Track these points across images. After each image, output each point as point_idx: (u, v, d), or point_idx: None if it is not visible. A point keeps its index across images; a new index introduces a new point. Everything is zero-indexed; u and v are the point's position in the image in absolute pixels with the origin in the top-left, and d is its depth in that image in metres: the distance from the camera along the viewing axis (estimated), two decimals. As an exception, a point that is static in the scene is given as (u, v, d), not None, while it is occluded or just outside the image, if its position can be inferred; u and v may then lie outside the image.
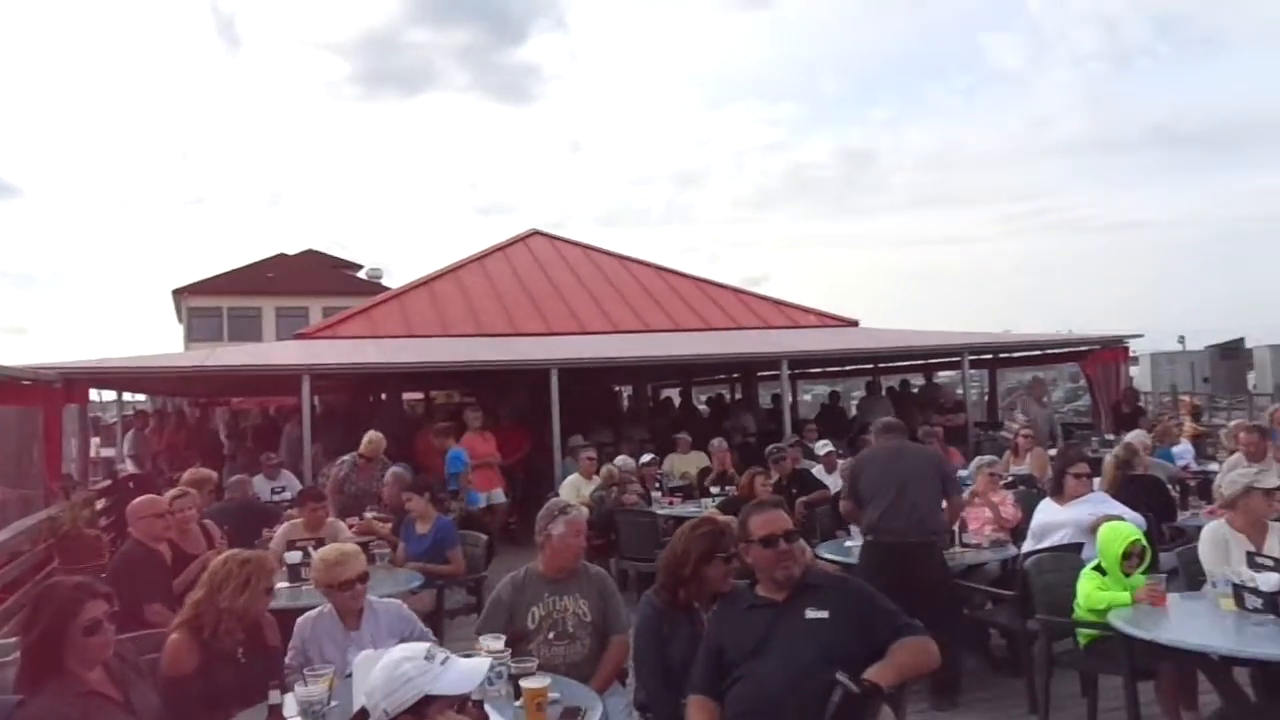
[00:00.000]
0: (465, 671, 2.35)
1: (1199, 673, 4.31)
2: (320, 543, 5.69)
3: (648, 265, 18.58)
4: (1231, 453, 8.04)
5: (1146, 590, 4.32)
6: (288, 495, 9.21)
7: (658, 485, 9.53)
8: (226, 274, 42.31)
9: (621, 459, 9.40)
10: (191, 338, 39.64)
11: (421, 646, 2.37)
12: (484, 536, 7.35)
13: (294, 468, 10.50)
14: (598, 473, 9.17)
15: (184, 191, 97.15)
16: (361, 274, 45.98)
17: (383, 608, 4.00)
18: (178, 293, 41.80)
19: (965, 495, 6.70)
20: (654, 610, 3.62)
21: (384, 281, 41.93)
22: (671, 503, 9.01)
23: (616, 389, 22.67)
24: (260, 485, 9.49)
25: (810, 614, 3.05)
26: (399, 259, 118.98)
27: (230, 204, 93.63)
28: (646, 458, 9.83)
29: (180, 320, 42.41)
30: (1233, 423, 10.08)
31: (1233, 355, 38.14)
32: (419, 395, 21.66)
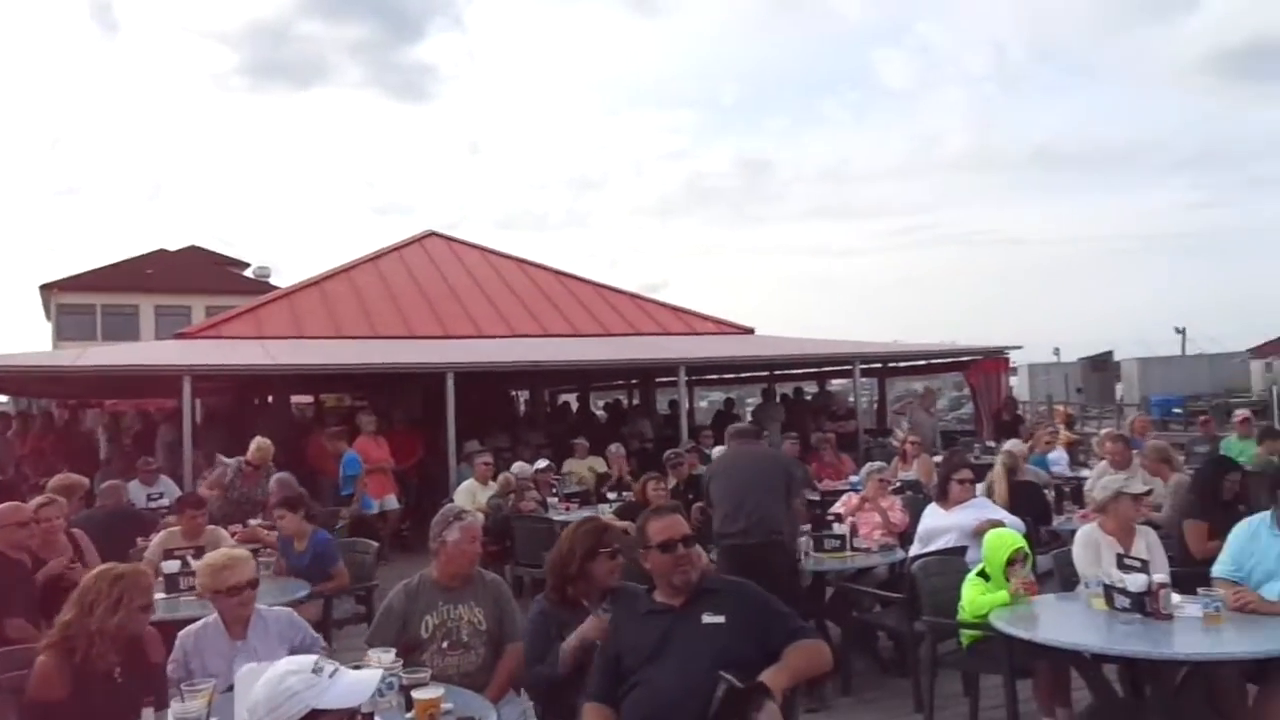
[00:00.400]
0: (354, 684, 2.26)
1: (1072, 670, 4.51)
2: (200, 551, 5.46)
3: (546, 269, 18.49)
4: (1101, 460, 8.48)
5: (1020, 581, 4.50)
6: (165, 502, 8.79)
7: (554, 491, 9.47)
8: (101, 269, 40.17)
9: (519, 465, 9.31)
10: (61, 336, 37.48)
11: (309, 659, 2.26)
12: (374, 544, 7.17)
13: (172, 473, 10.03)
14: (494, 478, 9.06)
15: (54, 181, 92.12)
16: (248, 272, 44.38)
17: (272, 616, 3.84)
18: (46, 288, 39.46)
19: (856, 500, 6.90)
20: (542, 613, 3.64)
21: (272, 281, 40.50)
22: (568, 508, 8.95)
23: (513, 394, 22.47)
24: (136, 491, 9.02)
25: (707, 619, 3.06)
26: (288, 258, 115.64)
27: (106, 196, 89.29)
28: (543, 463, 9.76)
29: (49, 318, 40.10)
30: (1102, 431, 10.64)
31: (1103, 367, 40.47)
32: (308, 398, 21.02)
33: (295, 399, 19.75)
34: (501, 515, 8.33)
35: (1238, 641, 3.91)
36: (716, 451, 9.70)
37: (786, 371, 18.15)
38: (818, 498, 8.90)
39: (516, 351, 13.27)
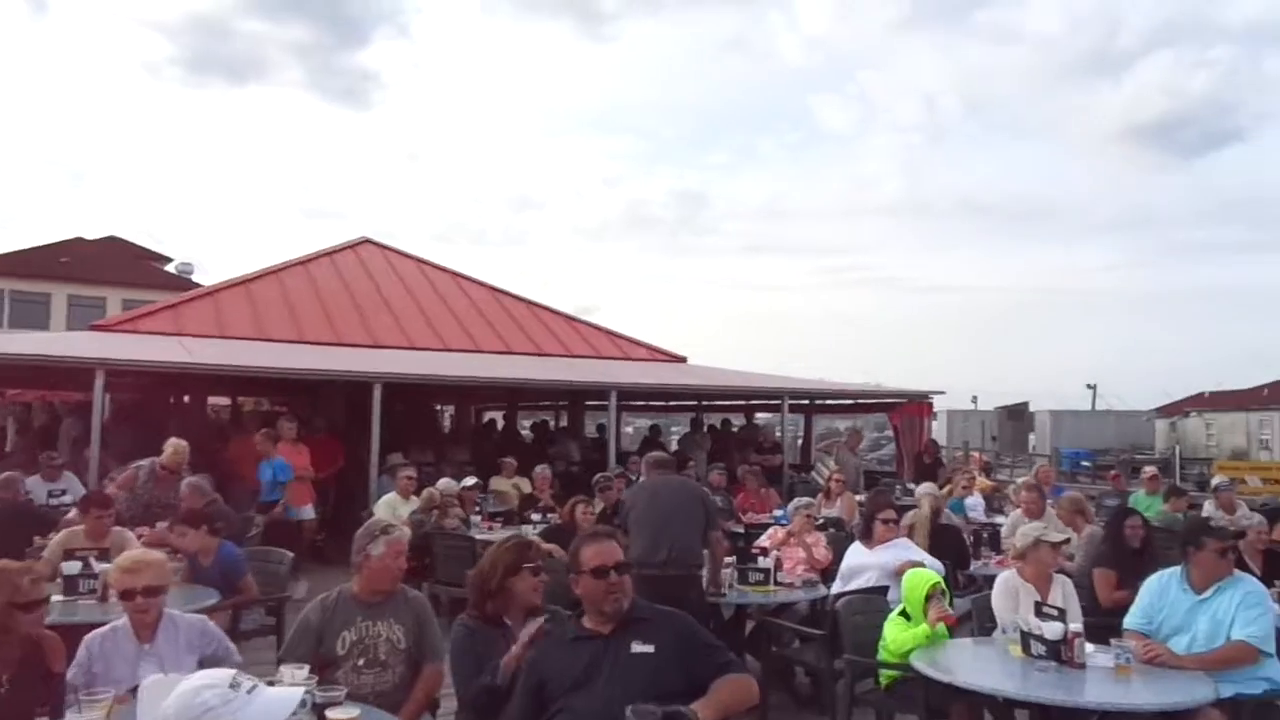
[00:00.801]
0: (274, 702, 2.16)
1: (986, 713, 4.57)
2: (104, 553, 5.22)
3: (482, 285, 18.34)
4: (1016, 508, 8.68)
5: (938, 612, 4.57)
6: (68, 499, 8.40)
7: (478, 509, 9.34)
8: (10, 254, 38.48)
9: (444, 481, 9.15)
10: (-38, 321, 35.79)
11: (225, 673, 2.16)
12: (289, 554, 6.94)
13: (75, 469, 9.60)
14: (417, 493, 8.89)
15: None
16: (170, 267, 43.00)
17: (184, 623, 3.68)
18: (-50, 270, 37.67)
19: (781, 534, 6.94)
20: (467, 630, 3.61)
21: (195, 278, 39.33)
22: (491, 528, 8.84)
23: (439, 408, 22.15)
24: (37, 487, 8.61)
25: (637, 647, 3.03)
26: (214, 255, 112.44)
27: (23, 180, 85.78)
28: (469, 481, 9.62)
29: (-50, 302, 38.25)
30: (1019, 480, 10.91)
31: (1018, 417, 41.72)
32: (226, 400, 20.41)
33: (212, 400, 19.17)
34: (423, 531, 8.16)
35: (1144, 693, 4.02)
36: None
37: (715, 402, 18.25)
38: (741, 530, 8.94)
39: (448, 365, 13.08)
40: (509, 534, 7.38)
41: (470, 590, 3.73)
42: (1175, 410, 44.42)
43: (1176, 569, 4.66)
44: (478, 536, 8.26)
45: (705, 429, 16.18)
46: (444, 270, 18.62)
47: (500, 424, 20.19)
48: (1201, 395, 43.79)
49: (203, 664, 3.13)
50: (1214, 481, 11.85)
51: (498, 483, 10.86)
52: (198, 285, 26.71)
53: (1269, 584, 5.14)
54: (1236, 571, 4.65)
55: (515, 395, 19.59)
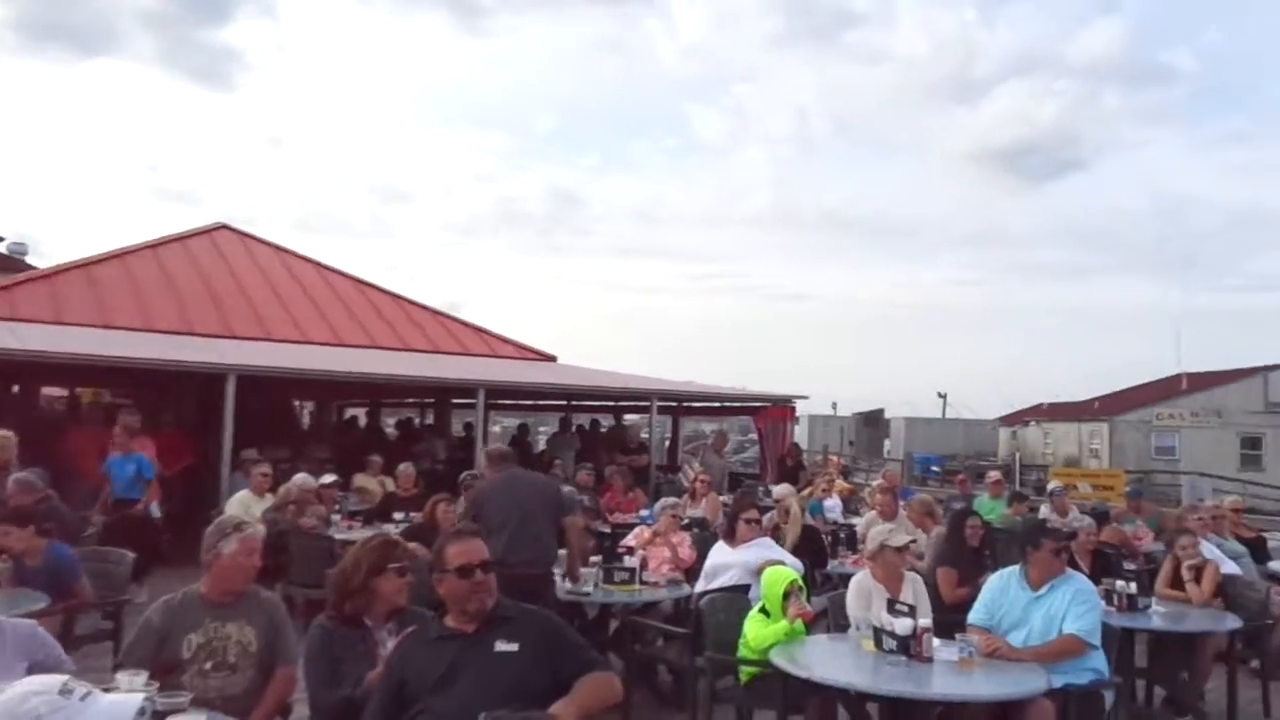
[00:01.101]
0: (108, 709, 2.03)
1: (840, 706, 4.73)
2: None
3: (347, 276, 17.81)
4: (871, 509, 9.05)
5: (797, 608, 4.71)
6: None
7: (337, 508, 9.05)
8: None
9: (300, 477, 8.81)
10: None
11: (55, 679, 2.01)
12: (129, 554, 6.54)
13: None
14: (272, 491, 8.54)
15: None
16: (0, 247, 39.94)
17: (11, 627, 3.40)
18: None
19: (648, 534, 7.00)
20: (324, 632, 3.48)
21: (29, 260, 36.63)
22: (351, 526, 8.58)
23: (298, 404, 21.35)
24: None
25: (500, 646, 2.99)
26: (51, 236, 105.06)
27: None
28: (329, 478, 9.31)
29: None
30: (875, 482, 11.37)
31: (874, 423, 43.55)
32: (62, 391, 19.10)
33: (46, 391, 17.91)
34: (278, 530, 7.84)
35: (986, 685, 4.26)
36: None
37: (584, 402, 18.27)
38: (608, 530, 8.96)
39: (308, 359, 12.62)
40: (371, 533, 7.21)
41: (330, 590, 3.61)
42: (1016, 420, 47.16)
43: (1016, 568, 4.94)
44: (338, 536, 8.02)
45: (574, 429, 16.18)
46: (306, 260, 18.01)
47: (363, 421, 19.61)
48: (1040, 406, 46.56)
49: (32, 670, 2.90)
50: (1050, 487, 12.64)
51: (363, 480, 10.60)
52: (32, 268, 24.87)
53: (1097, 581, 5.51)
54: (1069, 570, 4.97)
55: (379, 392, 19.09)
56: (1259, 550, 8.36)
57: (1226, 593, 6.33)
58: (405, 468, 10.19)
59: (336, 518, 8.77)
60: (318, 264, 17.95)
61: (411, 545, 5.24)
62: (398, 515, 8.78)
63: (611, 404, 17.45)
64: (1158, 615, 5.93)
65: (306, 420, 21.04)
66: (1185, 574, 6.36)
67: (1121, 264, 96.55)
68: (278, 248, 18.27)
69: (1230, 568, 6.81)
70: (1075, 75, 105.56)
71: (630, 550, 6.64)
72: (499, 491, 5.84)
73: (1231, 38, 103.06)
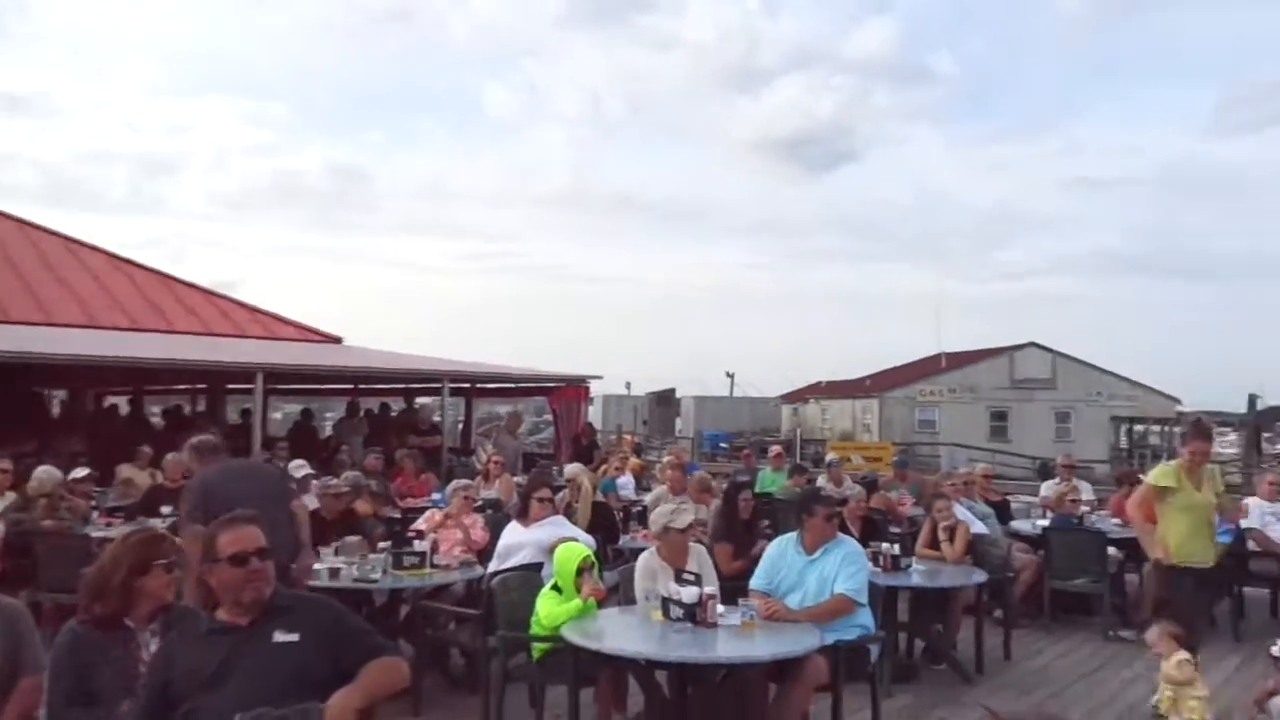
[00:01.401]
0: None
1: (629, 676, 4.84)
2: None
3: (101, 252, 16.35)
4: (661, 484, 9.31)
5: (590, 587, 4.78)
6: None
7: (94, 504, 8.31)
8: None
9: (45, 470, 8.01)
10: None
11: None
12: None
13: None
14: (13, 488, 7.72)
15: None
16: None
17: None
18: None
19: (439, 516, 6.87)
20: (73, 636, 3.18)
21: None
22: (110, 524, 7.90)
23: (45, 392, 19.37)
24: None
25: (279, 637, 2.84)
26: None
27: None
28: (81, 472, 8.52)
29: None
30: (665, 458, 11.71)
31: (666, 402, 44.84)
32: None
33: None
34: (21, 530, 7.11)
35: (764, 646, 4.50)
36: (294, 466, 9.11)
37: (373, 385, 17.66)
38: (398, 515, 8.75)
39: (54, 342, 11.46)
40: (132, 528, 6.67)
41: (86, 592, 3.28)
42: (798, 397, 49.99)
43: (793, 534, 5.23)
44: (95, 534, 7.38)
45: (362, 413, 15.62)
46: (53, 234, 16.35)
47: (125, 409, 18.06)
48: (819, 384, 49.54)
49: None
50: (827, 459, 13.49)
51: (130, 471, 9.79)
52: None
53: (865, 545, 5.93)
54: (840, 535, 5.32)
55: (144, 378, 17.62)
56: (1004, 511, 9.27)
57: (975, 550, 6.99)
58: (173, 458, 9.47)
59: (94, 514, 8.05)
60: (67, 238, 16.36)
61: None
62: (165, 509, 8.15)
63: (402, 386, 16.94)
64: (917, 573, 6.48)
65: (58, 409, 19.13)
66: (941, 534, 6.97)
67: (890, 252, 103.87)
68: (17, 219, 16.49)
69: (979, 528, 7.51)
70: (850, 71, 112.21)
71: (420, 534, 6.50)
72: (224, 481, 5.40)
73: (990, 46, 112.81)
